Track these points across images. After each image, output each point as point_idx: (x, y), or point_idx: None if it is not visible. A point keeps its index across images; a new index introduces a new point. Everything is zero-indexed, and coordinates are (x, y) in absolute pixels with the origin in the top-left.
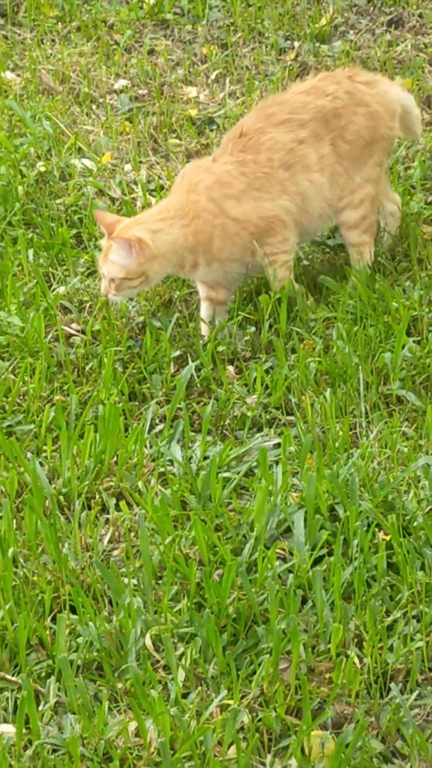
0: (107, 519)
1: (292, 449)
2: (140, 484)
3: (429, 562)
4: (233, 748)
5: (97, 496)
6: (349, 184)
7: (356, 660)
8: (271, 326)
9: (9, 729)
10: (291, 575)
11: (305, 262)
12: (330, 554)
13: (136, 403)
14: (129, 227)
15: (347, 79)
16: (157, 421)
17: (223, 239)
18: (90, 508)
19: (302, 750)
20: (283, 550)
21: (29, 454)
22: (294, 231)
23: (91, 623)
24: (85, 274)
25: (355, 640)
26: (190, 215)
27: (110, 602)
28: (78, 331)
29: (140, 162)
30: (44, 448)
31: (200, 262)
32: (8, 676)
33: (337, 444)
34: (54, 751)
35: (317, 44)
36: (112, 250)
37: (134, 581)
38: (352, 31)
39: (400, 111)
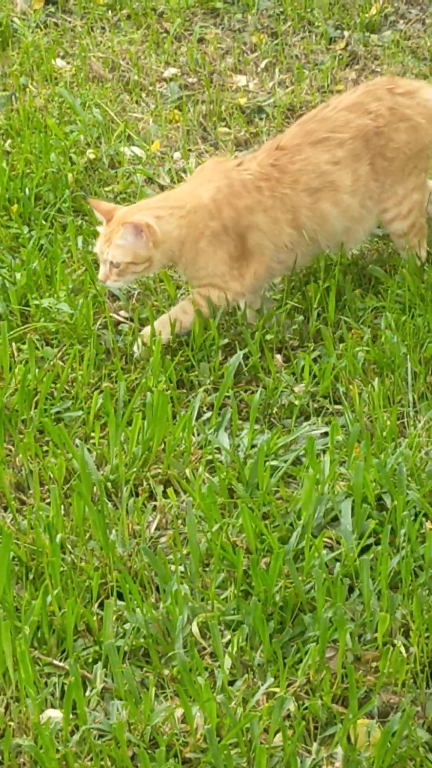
0: (155, 506)
1: (340, 438)
2: (188, 471)
3: None
4: (279, 735)
5: (145, 483)
6: (393, 197)
7: (403, 649)
8: (319, 315)
9: (56, 714)
10: (338, 564)
11: (355, 252)
12: (377, 543)
13: (184, 390)
14: (132, 212)
15: (388, 93)
16: (204, 408)
17: (210, 241)
18: (137, 495)
19: (348, 738)
20: (331, 538)
21: (77, 441)
22: (264, 280)
23: (138, 610)
24: None
25: (402, 629)
26: (188, 207)
27: (157, 589)
28: (126, 319)
29: (189, 150)
30: (92, 434)
31: (182, 259)
32: (56, 662)
33: (384, 433)
34: (100, 736)
35: (367, 34)
36: (120, 234)
37: (181, 568)
38: (402, 21)
39: None
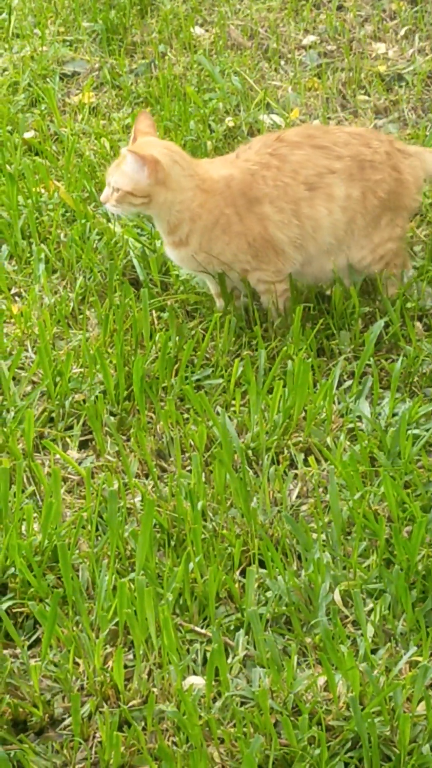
0: (296, 474)
1: None
2: (329, 439)
3: None
4: (423, 704)
5: (286, 451)
6: (369, 244)
7: None
8: None
9: (199, 681)
10: None
11: None
12: None
13: (324, 359)
14: (153, 145)
15: (388, 141)
16: (345, 377)
17: (225, 230)
18: (278, 463)
19: None
20: None
21: (218, 408)
22: (292, 261)
23: (280, 577)
24: None
25: None
26: (206, 186)
27: (299, 557)
28: None
29: (328, 118)
30: (233, 402)
31: (192, 242)
32: (198, 629)
33: None
34: (243, 703)
35: None
36: (126, 161)
37: (323, 536)
38: None
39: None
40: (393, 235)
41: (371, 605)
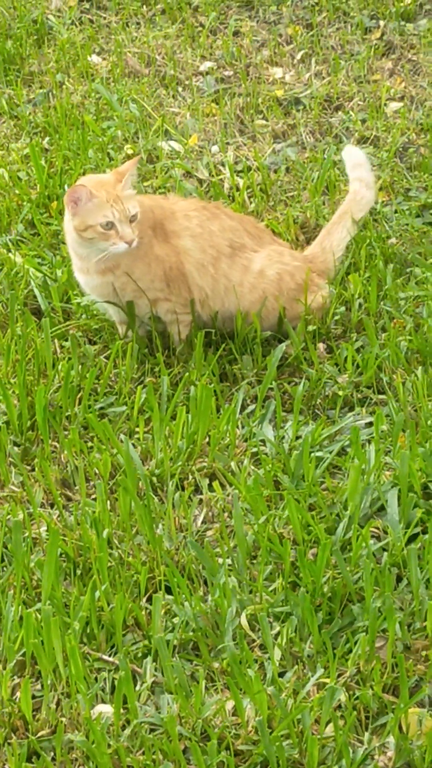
0: (201, 499)
1: (385, 428)
2: (233, 464)
3: None
4: (331, 726)
5: (190, 477)
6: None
7: None
8: (360, 305)
9: (107, 709)
10: (385, 553)
11: (392, 240)
12: (424, 532)
13: (227, 384)
14: (104, 174)
15: (305, 258)
16: (248, 401)
17: (146, 252)
18: (183, 489)
19: (400, 727)
20: (377, 528)
21: (122, 436)
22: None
23: (186, 603)
24: None
25: None
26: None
27: (205, 582)
28: None
29: (227, 143)
30: (137, 429)
31: (121, 265)
32: (105, 657)
33: (429, 422)
34: (152, 730)
35: (402, 23)
36: (126, 182)
37: (229, 561)
38: None
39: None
40: (316, 304)
41: (278, 628)
